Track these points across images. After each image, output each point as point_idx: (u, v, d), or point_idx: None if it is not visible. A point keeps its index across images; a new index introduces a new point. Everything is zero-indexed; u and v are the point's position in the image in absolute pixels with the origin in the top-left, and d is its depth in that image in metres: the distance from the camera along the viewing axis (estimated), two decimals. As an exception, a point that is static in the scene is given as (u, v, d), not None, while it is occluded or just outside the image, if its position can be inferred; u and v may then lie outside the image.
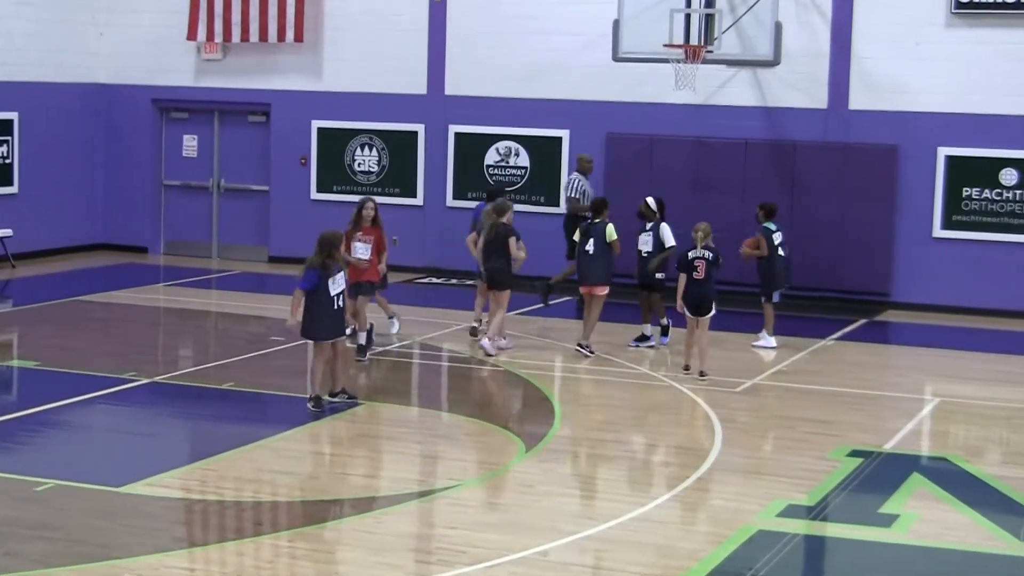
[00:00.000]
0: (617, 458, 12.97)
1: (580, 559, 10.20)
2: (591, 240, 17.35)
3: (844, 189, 21.37)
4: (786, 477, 12.30)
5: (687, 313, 16.44)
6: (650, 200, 18.16)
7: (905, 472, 12.66)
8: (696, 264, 16.38)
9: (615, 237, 17.37)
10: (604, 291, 17.38)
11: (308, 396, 14.37)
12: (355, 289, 16.03)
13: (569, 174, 20.74)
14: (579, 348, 17.33)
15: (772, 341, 18.09)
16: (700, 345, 16.30)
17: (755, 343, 18.15)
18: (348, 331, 16.09)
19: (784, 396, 15.65)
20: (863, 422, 14.61)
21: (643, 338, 17.90)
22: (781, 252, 18.43)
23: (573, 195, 20.22)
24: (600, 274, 17.34)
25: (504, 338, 17.48)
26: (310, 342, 14.79)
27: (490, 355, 16.92)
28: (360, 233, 16.54)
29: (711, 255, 16.40)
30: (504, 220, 17.28)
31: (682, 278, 16.47)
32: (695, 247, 16.46)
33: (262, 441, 13.09)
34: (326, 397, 14.31)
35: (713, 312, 16.45)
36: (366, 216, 16.61)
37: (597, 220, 17.50)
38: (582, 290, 17.59)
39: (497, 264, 17.22)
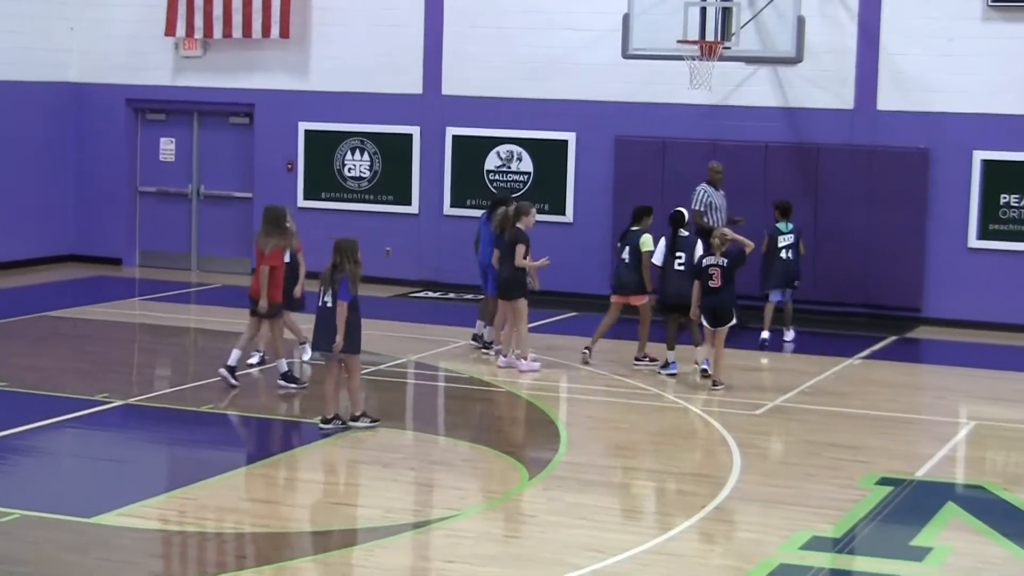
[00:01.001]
0: (627, 486, 12.97)
1: (588, 595, 10.22)
2: (627, 248, 17.61)
3: (872, 196, 21.38)
4: (810, 506, 12.30)
5: (704, 323, 16.71)
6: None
7: (939, 501, 12.65)
8: (711, 271, 16.61)
9: (649, 248, 17.52)
10: (643, 300, 17.67)
11: (327, 417, 14.39)
12: (276, 309, 16.08)
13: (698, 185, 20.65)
14: (637, 362, 17.69)
15: (765, 334, 19.32)
16: (716, 355, 16.55)
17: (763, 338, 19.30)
18: (255, 360, 16.83)
19: (807, 419, 15.65)
20: (893, 447, 14.60)
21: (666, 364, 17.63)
22: (783, 254, 19.45)
23: (698, 208, 19.91)
24: (638, 283, 17.56)
25: (525, 358, 17.51)
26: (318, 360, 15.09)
27: (524, 371, 17.25)
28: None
29: (726, 262, 16.55)
30: (520, 224, 17.54)
31: (696, 286, 16.74)
32: (713, 253, 16.64)
33: (245, 468, 13.09)
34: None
35: (733, 322, 16.71)
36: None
37: (635, 228, 17.70)
38: (615, 299, 17.70)
39: (506, 272, 17.48)
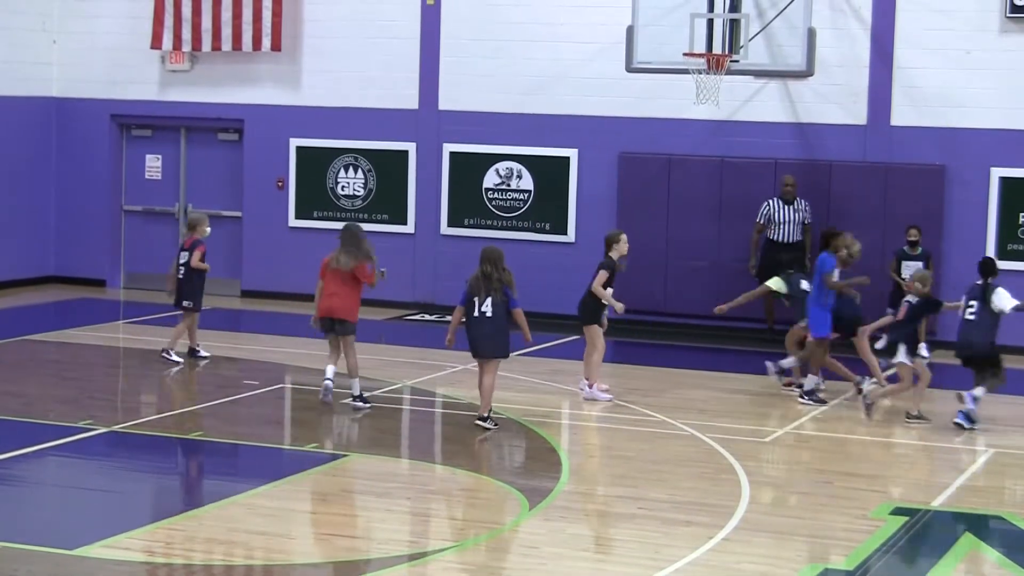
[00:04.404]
0: (632, 516, 12.98)
1: (591, 630, 10.22)
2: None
3: (886, 214, 21.42)
4: (821, 538, 12.31)
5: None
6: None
7: (956, 533, 12.67)
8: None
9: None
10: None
11: (486, 416, 15.79)
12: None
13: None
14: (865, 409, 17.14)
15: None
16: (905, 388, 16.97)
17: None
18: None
19: (818, 447, 15.66)
20: (908, 476, 14.62)
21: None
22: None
23: (759, 221, 21.26)
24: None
25: (591, 385, 17.57)
26: (476, 361, 16.05)
27: (598, 400, 17.32)
28: None
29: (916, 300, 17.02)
30: (613, 254, 17.59)
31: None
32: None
33: (234, 497, 13.10)
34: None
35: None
36: None
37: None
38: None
39: (584, 296, 17.63)
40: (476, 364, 16.14)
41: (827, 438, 15.96)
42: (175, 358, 18.85)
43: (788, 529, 12.55)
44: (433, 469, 14.66)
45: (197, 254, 19.07)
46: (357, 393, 16.56)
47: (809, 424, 16.56)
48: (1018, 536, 12.67)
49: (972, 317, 16.82)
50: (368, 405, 16.54)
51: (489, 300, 15.63)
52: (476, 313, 15.70)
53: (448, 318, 22.78)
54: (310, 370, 18.37)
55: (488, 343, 15.75)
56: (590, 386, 17.42)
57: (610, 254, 17.64)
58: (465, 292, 15.83)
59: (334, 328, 16.60)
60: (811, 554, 11.85)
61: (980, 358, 16.86)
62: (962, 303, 17.02)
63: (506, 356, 15.98)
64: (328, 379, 16.43)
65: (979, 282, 17.07)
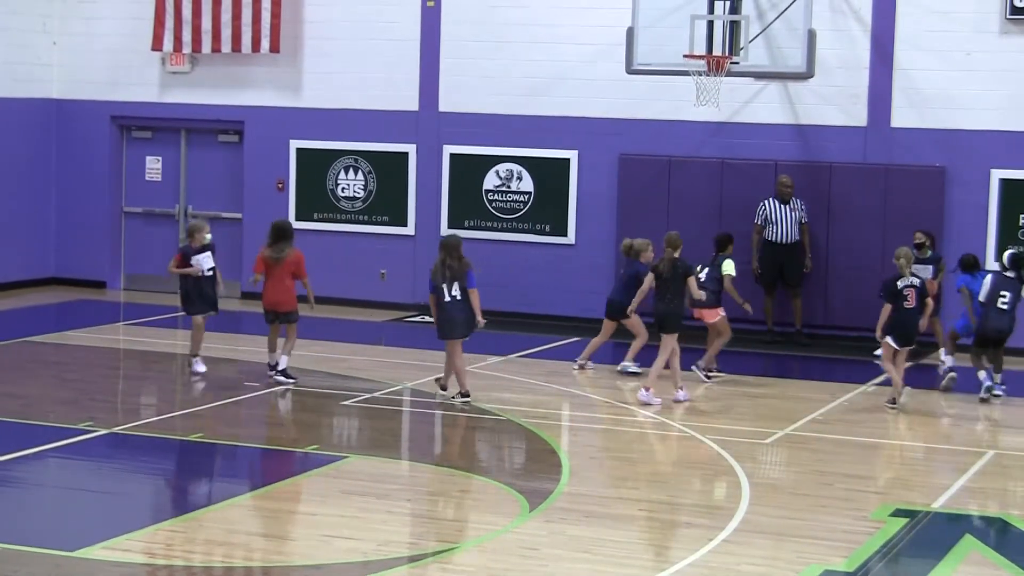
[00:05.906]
0: (632, 518, 12.98)
1: (591, 632, 10.22)
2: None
3: (886, 216, 21.42)
4: (821, 539, 12.31)
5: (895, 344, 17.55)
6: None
7: (956, 534, 12.66)
8: (906, 292, 17.51)
9: (730, 272, 18.77)
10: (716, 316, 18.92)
11: (462, 393, 17.01)
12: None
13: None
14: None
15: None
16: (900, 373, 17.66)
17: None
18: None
19: (819, 448, 15.65)
20: (908, 478, 14.61)
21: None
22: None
23: (757, 222, 21.59)
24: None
25: (680, 388, 17.58)
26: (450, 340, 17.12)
27: (680, 401, 17.40)
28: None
29: (920, 282, 17.78)
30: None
31: (887, 308, 17.54)
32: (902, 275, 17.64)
33: (235, 499, 13.10)
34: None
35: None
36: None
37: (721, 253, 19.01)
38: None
39: (669, 305, 17.51)
40: (458, 357, 17.12)
41: (827, 440, 15.95)
42: (197, 368, 18.36)
43: (788, 531, 12.55)
44: (433, 471, 14.66)
45: (172, 261, 18.72)
46: (284, 367, 17.89)
47: (809, 425, 16.55)
48: (1018, 538, 12.67)
49: (1006, 307, 18.08)
50: (291, 380, 17.81)
51: (456, 285, 16.85)
52: (448, 298, 16.88)
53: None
54: (310, 372, 18.38)
55: (461, 326, 16.94)
56: (679, 388, 17.42)
57: (677, 255, 17.52)
58: (431, 281, 17.04)
59: (279, 319, 18.04)
60: (811, 555, 11.84)
61: (1003, 341, 18.37)
62: (988, 291, 18.18)
63: (469, 335, 17.13)
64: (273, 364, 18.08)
65: (1009, 275, 18.27)
